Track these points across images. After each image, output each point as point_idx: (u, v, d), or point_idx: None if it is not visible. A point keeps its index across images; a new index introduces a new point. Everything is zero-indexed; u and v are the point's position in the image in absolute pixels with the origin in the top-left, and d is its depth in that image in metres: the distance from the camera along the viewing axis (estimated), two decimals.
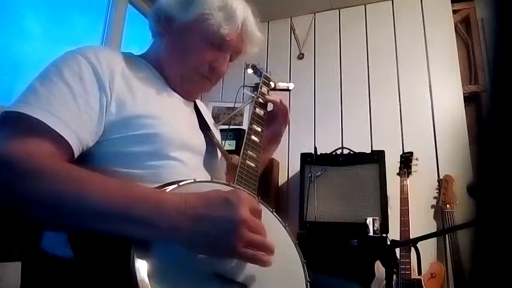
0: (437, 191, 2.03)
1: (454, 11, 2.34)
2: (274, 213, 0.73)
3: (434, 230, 1.98)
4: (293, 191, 2.27)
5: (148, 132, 0.70)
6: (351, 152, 2.12)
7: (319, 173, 2.01)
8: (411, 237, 1.66)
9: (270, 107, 1.01)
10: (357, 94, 2.44)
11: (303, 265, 0.70)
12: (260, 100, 0.98)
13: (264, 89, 1.03)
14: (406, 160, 1.95)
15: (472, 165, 2.00)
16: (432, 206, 2.06)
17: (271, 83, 1.06)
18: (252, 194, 0.73)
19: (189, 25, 0.81)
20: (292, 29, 2.74)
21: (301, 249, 0.72)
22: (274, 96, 1.02)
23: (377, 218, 1.73)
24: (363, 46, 2.51)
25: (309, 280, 0.68)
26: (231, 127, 2.27)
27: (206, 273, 0.56)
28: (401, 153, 2.03)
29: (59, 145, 0.61)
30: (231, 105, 2.34)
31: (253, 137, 0.88)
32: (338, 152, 2.17)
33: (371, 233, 1.67)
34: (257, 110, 0.95)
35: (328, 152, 2.14)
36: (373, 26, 2.53)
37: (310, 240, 1.87)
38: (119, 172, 0.66)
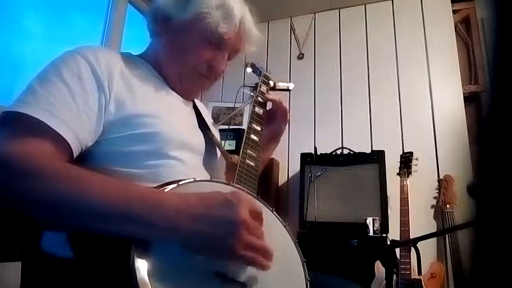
0: (437, 191, 2.03)
1: (454, 11, 2.34)
2: (274, 212, 0.73)
3: (434, 230, 1.98)
4: (293, 191, 2.27)
5: (148, 131, 0.70)
6: (351, 152, 2.11)
7: (319, 173, 2.01)
8: (411, 237, 1.66)
9: (269, 106, 1.01)
10: (357, 94, 2.44)
11: (303, 264, 0.70)
12: (259, 99, 0.98)
13: (264, 88, 1.02)
14: (406, 160, 1.95)
15: (472, 165, 2.00)
16: (432, 206, 2.06)
17: (270, 82, 1.06)
18: (252, 193, 0.73)
19: (186, 24, 0.81)
20: (292, 29, 2.74)
21: (301, 249, 0.71)
22: (273, 95, 1.02)
23: (377, 218, 1.73)
24: (363, 46, 2.51)
25: (309, 279, 0.68)
26: (231, 127, 2.26)
27: (207, 273, 0.56)
28: (401, 153, 2.03)
29: (58, 145, 0.61)
30: (231, 105, 2.34)
31: (253, 136, 0.88)
32: (338, 152, 2.17)
33: (371, 233, 1.67)
34: (256, 109, 0.95)
35: (328, 152, 2.13)
36: (373, 26, 2.53)
37: (310, 240, 1.87)
38: (118, 172, 0.66)
